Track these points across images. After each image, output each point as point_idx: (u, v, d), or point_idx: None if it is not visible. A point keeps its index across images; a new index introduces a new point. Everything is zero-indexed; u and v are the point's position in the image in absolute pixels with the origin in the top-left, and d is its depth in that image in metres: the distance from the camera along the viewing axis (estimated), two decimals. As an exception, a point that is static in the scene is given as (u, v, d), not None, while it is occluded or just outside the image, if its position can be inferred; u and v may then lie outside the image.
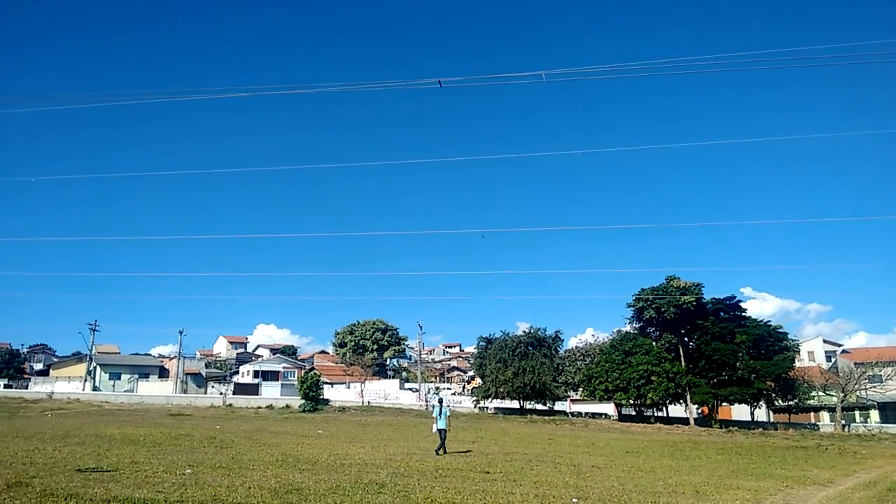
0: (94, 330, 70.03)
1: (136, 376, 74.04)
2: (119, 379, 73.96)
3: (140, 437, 24.39)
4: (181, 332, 70.95)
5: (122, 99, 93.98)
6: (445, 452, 21.37)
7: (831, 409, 56.95)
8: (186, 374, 73.31)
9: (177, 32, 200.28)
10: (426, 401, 62.18)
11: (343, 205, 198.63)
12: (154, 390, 66.75)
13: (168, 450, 19.88)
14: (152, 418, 39.92)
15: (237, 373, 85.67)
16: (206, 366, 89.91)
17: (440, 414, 22.09)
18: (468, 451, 23.31)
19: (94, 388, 68.89)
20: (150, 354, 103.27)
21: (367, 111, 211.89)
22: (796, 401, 55.52)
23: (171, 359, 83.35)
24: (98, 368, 74.16)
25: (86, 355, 73.40)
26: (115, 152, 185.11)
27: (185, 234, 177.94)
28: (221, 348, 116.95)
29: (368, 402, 61.13)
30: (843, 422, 53.36)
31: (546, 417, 53.92)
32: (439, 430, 21.97)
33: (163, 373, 79.31)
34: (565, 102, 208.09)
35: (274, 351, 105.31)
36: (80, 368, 74.18)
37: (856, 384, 54.72)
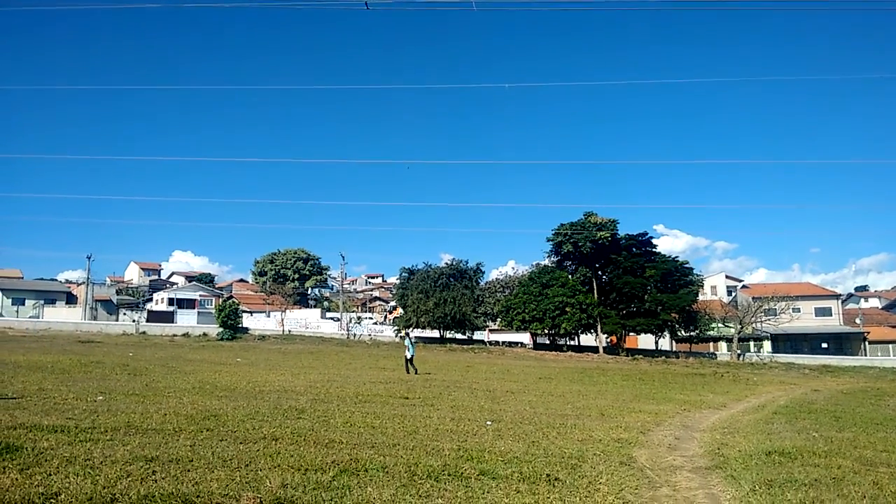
0: (-7, 253, 66.13)
1: (42, 302, 70.73)
2: (23, 304, 70.48)
3: (48, 363, 23.54)
4: (89, 258, 67.98)
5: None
6: (416, 373, 26.04)
7: (729, 340, 61.12)
8: (96, 300, 70.60)
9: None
10: (348, 330, 62.70)
11: (268, 130, 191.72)
12: (62, 317, 64.08)
13: (78, 377, 19.32)
14: (60, 345, 38.55)
15: (151, 300, 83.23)
16: (118, 293, 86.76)
17: (411, 345, 27.72)
18: (389, 381, 23.80)
19: (-4, 314, 65.62)
20: (56, 280, 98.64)
21: (293, 34, 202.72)
22: (697, 332, 59.29)
23: (79, 284, 79.88)
24: (0, 293, 70.44)
25: (-16, 280, 69.43)
26: (24, 62, 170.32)
27: (97, 154, 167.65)
28: (133, 275, 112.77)
29: (289, 331, 61.00)
30: (738, 351, 57.41)
31: (465, 346, 55.47)
32: (410, 358, 26.97)
33: (70, 299, 76.09)
34: (495, 34, 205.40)
35: (190, 279, 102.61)
36: (-21, 293, 70.22)
37: (752, 317, 58.72)
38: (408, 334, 33.61)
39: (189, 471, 7.47)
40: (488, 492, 7.26)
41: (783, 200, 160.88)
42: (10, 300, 70.93)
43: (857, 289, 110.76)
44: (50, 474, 7.00)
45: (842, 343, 66.93)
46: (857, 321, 69.65)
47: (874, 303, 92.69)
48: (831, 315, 70.72)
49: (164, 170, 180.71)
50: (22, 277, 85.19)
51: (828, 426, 14.91)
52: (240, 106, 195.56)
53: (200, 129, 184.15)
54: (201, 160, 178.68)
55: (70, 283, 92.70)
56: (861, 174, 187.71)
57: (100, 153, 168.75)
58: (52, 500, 6.06)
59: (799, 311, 66.13)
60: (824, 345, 65.68)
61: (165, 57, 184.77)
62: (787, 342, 66.05)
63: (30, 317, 64.95)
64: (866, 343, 67.03)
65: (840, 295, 78.68)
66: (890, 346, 66.69)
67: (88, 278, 68.69)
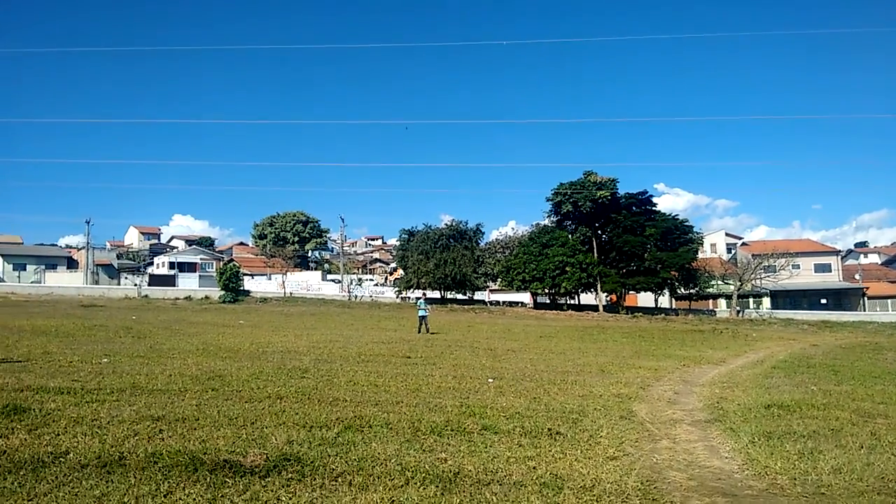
0: (-7, 219, 65.99)
1: (43, 267, 70.78)
2: (24, 270, 70.56)
3: (51, 328, 23.68)
4: (88, 222, 67.81)
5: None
6: (429, 332, 27.39)
7: (728, 297, 61.42)
8: (97, 265, 70.62)
9: None
10: (349, 291, 62.99)
11: (266, 91, 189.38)
12: (63, 281, 64.18)
13: (82, 340, 19.45)
14: (63, 309, 38.71)
15: (151, 264, 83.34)
16: (118, 257, 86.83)
17: (423, 307, 28.92)
18: (391, 340, 23.98)
19: (-3, 280, 65.79)
20: (56, 245, 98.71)
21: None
22: (697, 289, 59.52)
23: (79, 249, 79.92)
24: (0, 259, 70.50)
25: (-15, 246, 69.37)
26: (20, 23, 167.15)
27: (96, 118, 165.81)
28: (133, 239, 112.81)
29: (290, 293, 61.21)
30: (737, 308, 57.73)
31: (466, 307, 55.74)
32: (422, 317, 28.13)
33: (71, 264, 76.15)
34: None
35: (190, 242, 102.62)
36: (-20, 259, 70.25)
37: (752, 274, 58.91)
38: (424, 294, 35.89)
39: (195, 429, 7.57)
40: (491, 446, 7.37)
41: (785, 157, 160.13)
42: (11, 266, 71.02)
43: (857, 245, 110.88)
44: (58, 434, 7.09)
45: (841, 299, 67.26)
46: (857, 277, 69.87)
47: (874, 259, 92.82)
48: (831, 271, 70.87)
49: (164, 133, 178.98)
50: (22, 243, 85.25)
51: (826, 380, 15.06)
52: (239, 68, 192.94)
53: (200, 92, 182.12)
54: (201, 122, 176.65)
55: (70, 247, 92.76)
56: (864, 130, 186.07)
57: (99, 116, 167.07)
58: (61, 459, 6.14)
59: (798, 268, 66.23)
60: (823, 301, 65.99)
61: (165, 18, 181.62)
62: (786, 298, 66.35)
63: (31, 282, 65.10)
64: (865, 298, 67.36)
65: (840, 251, 78.70)
66: (889, 301, 67.05)
67: (89, 243, 68.65)
